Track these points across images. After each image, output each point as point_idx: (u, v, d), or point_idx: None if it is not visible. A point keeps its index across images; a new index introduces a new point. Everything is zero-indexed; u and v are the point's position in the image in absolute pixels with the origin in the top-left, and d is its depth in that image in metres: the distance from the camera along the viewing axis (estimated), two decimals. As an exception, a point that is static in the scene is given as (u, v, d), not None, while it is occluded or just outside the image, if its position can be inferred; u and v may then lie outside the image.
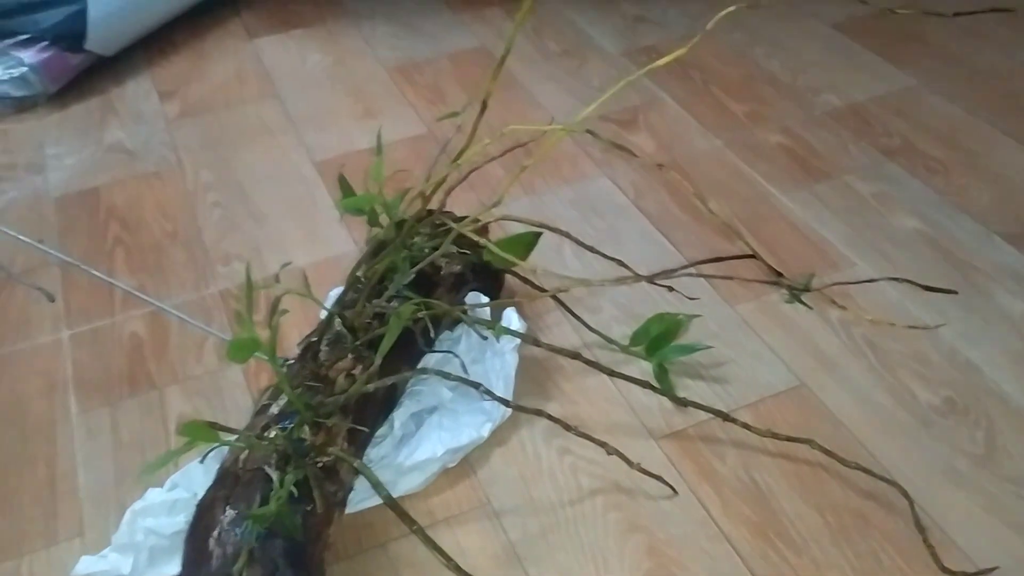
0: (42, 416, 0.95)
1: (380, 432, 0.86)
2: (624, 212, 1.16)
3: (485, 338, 0.89)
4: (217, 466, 0.77)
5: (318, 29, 1.63)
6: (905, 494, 0.79)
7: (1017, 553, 0.78)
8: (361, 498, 0.82)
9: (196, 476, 0.80)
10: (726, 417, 0.85)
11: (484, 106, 0.63)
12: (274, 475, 0.72)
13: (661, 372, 0.93)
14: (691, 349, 0.94)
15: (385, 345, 0.73)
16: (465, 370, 0.88)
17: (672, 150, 1.27)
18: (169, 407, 0.95)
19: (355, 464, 0.72)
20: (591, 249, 0.92)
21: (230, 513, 0.69)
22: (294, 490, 0.71)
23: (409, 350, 0.87)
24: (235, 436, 0.73)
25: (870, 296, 1.01)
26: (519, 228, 0.90)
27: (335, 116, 1.39)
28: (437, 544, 0.69)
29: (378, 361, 0.74)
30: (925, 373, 0.93)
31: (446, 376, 0.78)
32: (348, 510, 0.81)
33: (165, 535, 0.77)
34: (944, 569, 0.75)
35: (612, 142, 0.64)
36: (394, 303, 0.86)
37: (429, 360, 0.91)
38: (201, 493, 0.76)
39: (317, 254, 1.13)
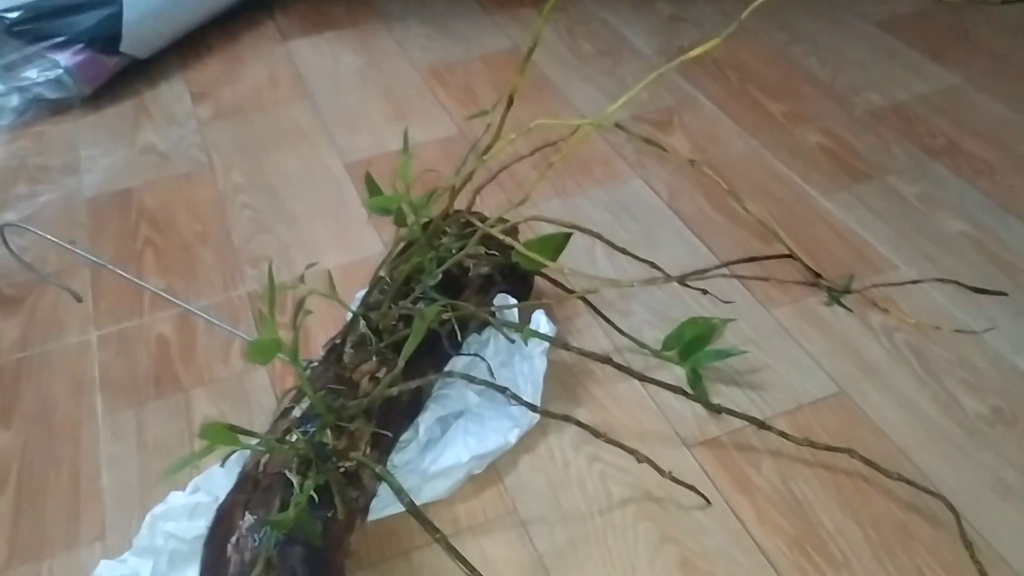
0: (68, 417, 0.95)
1: (405, 437, 0.84)
2: (658, 214, 1.14)
3: (513, 341, 0.87)
4: (239, 470, 0.76)
5: (350, 31, 1.62)
6: (951, 507, 0.76)
7: (1070, 571, 0.74)
8: (384, 504, 0.80)
9: (218, 480, 0.79)
10: (762, 425, 0.82)
11: (511, 101, 0.61)
12: (295, 480, 0.70)
13: (695, 377, 0.90)
14: (726, 354, 0.91)
15: (409, 348, 0.71)
16: (492, 374, 0.86)
17: (707, 151, 1.24)
18: (195, 410, 0.94)
19: (377, 470, 0.71)
20: (623, 251, 0.89)
21: (249, 519, 0.68)
22: (315, 496, 0.69)
23: (435, 353, 0.85)
24: (256, 440, 0.72)
25: (913, 300, 0.98)
26: (549, 229, 0.88)
27: (367, 118, 1.38)
28: (461, 554, 0.67)
29: (401, 364, 0.72)
30: (971, 380, 0.90)
31: (472, 380, 0.76)
32: (371, 517, 0.79)
33: (185, 539, 0.75)
34: (992, 587, 0.72)
35: (643, 137, 0.61)
36: (420, 305, 0.84)
37: (456, 364, 0.89)
38: (223, 496, 0.75)
39: (346, 256, 1.12)
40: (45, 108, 1.45)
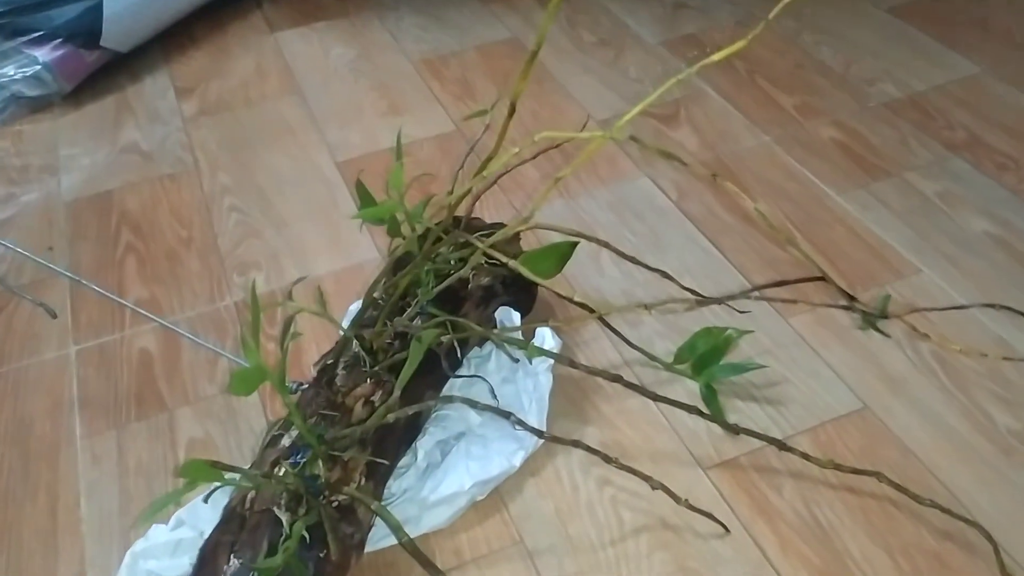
0: (45, 439, 0.90)
1: (403, 462, 0.79)
2: (666, 215, 1.08)
3: (516, 360, 0.82)
4: (226, 500, 0.71)
5: (341, 21, 1.56)
6: (988, 537, 0.70)
7: (1117, 604, 0.69)
8: (382, 535, 0.75)
9: (203, 513, 0.73)
10: (783, 446, 0.76)
11: (512, 109, 0.55)
12: (284, 517, 0.65)
13: (709, 393, 0.85)
14: (743, 368, 0.85)
15: (405, 375, 0.66)
16: (494, 394, 0.81)
17: (716, 147, 1.18)
18: (179, 431, 0.88)
19: (373, 507, 0.65)
20: (632, 260, 0.84)
21: (234, 563, 0.63)
22: (306, 535, 0.64)
23: (434, 373, 0.80)
24: (242, 475, 0.66)
25: (948, 317, 0.91)
26: (553, 233, 0.83)
27: (359, 113, 1.32)
28: (464, 596, 0.62)
29: (397, 392, 0.67)
30: (1003, 394, 0.85)
31: (474, 405, 0.71)
32: (368, 548, 0.74)
33: (168, 579, 0.70)
34: (1035, 624, 0.67)
35: (660, 149, 0.56)
36: (417, 321, 0.79)
37: (456, 382, 0.84)
38: (208, 531, 0.70)
39: (338, 262, 1.06)
40: (24, 106, 1.39)
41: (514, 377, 0.85)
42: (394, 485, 0.77)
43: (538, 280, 0.69)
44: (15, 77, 1.38)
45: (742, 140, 1.19)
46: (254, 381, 0.62)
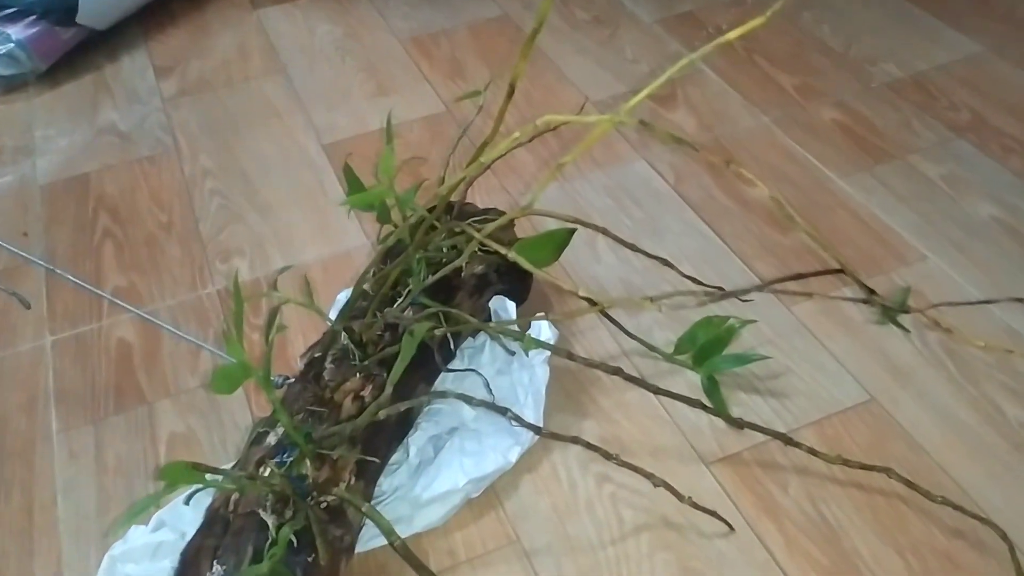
0: (20, 434, 0.86)
1: (394, 459, 0.75)
2: (664, 199, 1.05)
3: (513, 353, 0.79)
4: (209, 500, 0.68)
5: (327, -2, 1.51)
6: (1003, 536, 0.68)
7: None
8: (372, 535, 0.72)
9: (184, 513, 0.70)
10: (789, 441, 0.73)
11: (511, 90, 0.51)
12: (270, 520, 0.62)
13: (711, 385, 0.82)
14: (745, 360, 0.82)
15: (397, 371, 0.63)
16: (490, 388, 0.78)
17: (715, 129, 1.15)
18: (159, 425, 0.85)
19: (363, 509, 0.62)
20: (632, 247, 0.80)
21: (218, 570, 0.60)
22: (293, 539, 0.61)
23: (426, 366, 0.77)
24: (224, 476, 0.63)
25: (963, 312, 0.87)
26: (547, 219, 0.79)
27: (345, 94, 1.28)
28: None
29: (389, 389, 0.63)
30: (1013, 385, 0.82)
31: (468, 401, 0.68)
32: (358, 548, 0.71)
33: (148, 584, 0.67)
34: (1052, 626, 0.64)
35: (671, 135, 0.52)
36: (408, 312, 0.75)
37: (448, 374, 0.81)
38: (189, 533, 0.66)
39: (325, 249, 1.02)
40: (-3, 85, 1.34)
41: (509, 369, 0.82)
42: (385, 483, 0.74)
43: (535, 270, 0.66)
44: (-12, 55, 1.33)
45: (741, 121, 1.16)
46: (238, 378, 0.59)
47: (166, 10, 1.49)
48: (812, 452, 0.73)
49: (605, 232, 0.80)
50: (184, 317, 0.95)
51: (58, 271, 0.82)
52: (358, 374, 0.72)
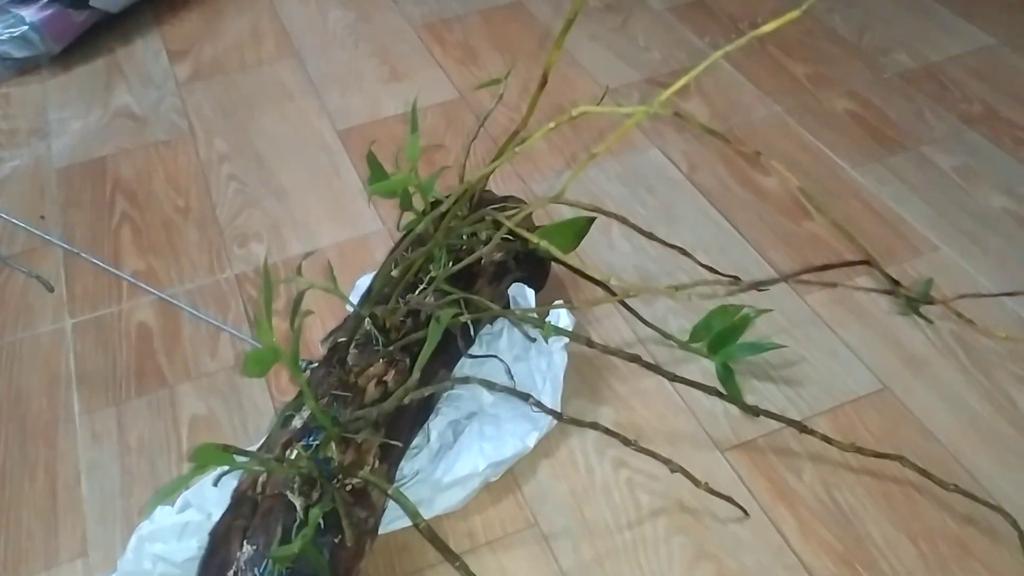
0: (42, 416, 0.87)
1: (415, 443, 0.77)
2: (678, 188, 1.05)
3: (533, 340, 0.80)
4: (234, 481, 0.69)
5: (339, -18, 1.51)
6: (1014, 523, 0.69)
7: None
8: (393, 517, 0.73)
9: (210, 495, 0.71)
10: (803, 428, 0.75)
11: (544, 80, 0.52)
12: (297, 502, 0.63)
13: (726, 373, 0.83)
14: (760, 348, 0.84)
15: (424, 356, 0.64)
16: (510, 374, 0.79)
17: (728, 118, 1.15)
18: (181, 408, 0.86)
19: (389, 492, 0.63)
20: (649, 235, 0.81)
21: (248, 549, 0.61)
22: (321, 520, 0.62)
23: (447, 352, 0.78)
24: (253, 458, 0.64)
25: (980, 304, 0.88)
26: (565, 209, 0.80)
27: (359, 79, 1.28)
28: (484, 584, 0.61)
29: (416, 375, 0.64)
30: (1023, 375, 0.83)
31: (490, 387, 0.69)
32: (380, 531, 0.72)
33: (176, 563, 0.68)
34: (1062, 612, 0.66)
35: (705, 127, 0.53)
36: (430, 299, 0.76)
37: (467, 360, 0.82)
38: (215, 514, 0.68)
39: (342, 234, 1.03)
40: (10, 68, 1.34)
41: (527, 355, 0.83)
42: (406, 467, 0.75)
43: (559, 257, 0.67)
44: (1, 38, 1.33)
45: (753, 110, 1.16)
46: (268, 362, 0.59)
47: (179, -7, 1.49)
48: (826, 440, 0.74)
49: (623, 220, 0.80)
50: (203, 301, 0.96)
51: (82, 254, 0.83)
52: (381, 359, 0.73)
